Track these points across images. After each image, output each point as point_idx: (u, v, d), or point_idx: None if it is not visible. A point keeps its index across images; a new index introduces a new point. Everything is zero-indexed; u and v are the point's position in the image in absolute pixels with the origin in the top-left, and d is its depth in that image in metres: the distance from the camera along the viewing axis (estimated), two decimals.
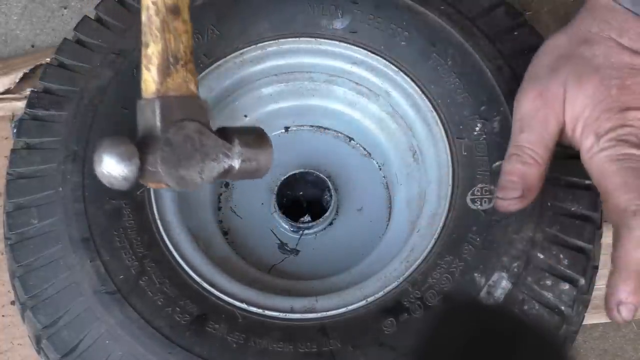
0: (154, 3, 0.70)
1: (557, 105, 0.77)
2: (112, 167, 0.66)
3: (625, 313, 0.71)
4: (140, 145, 0.68)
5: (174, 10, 0.71)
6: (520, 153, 0.77)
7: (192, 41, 0.73)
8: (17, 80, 1.08)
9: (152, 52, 0.70)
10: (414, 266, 0.80)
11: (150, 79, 0.71)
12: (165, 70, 0.70)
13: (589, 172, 0.76)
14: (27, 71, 1.09)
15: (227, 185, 0.97)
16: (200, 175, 0.70)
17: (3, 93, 1.08)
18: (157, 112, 0.69)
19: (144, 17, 0.71)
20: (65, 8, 1.18)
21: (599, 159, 0.74)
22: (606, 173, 0.74)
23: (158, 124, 0.69)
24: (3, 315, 0.96)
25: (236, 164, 0.72)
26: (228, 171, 0.72)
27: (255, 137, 0.74)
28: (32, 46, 1.15)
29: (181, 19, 0.72)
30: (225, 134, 0.72)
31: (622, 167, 0.73)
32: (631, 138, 0.74)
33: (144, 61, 0.71)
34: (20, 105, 1.04)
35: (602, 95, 0.75)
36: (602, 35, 0.77)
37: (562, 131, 0.77)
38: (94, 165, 0.67)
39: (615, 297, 0.71)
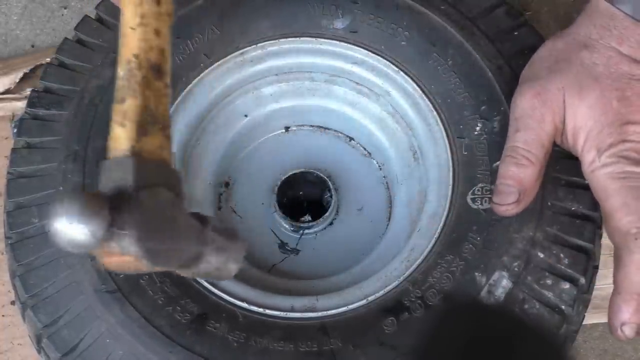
0: (135, 56, 0.64)
1: (555, 106, 0.77)
2: (76, 224, 0.55)
3: (628, 332, 0.74)
4: (109, 202, 0.57)
5: (157, 70, 0.65)
6: (515, 154, 0.77)
7: (169, 111, 0.66)
8: (17, 80, 1.09)
9: (128, 107, 0.63)
10: (415, 265, 0.80)
11: (123, 136, 0.62)
12: (142, 128, 0.62)
13: (590, 185, 0.77)
14: (27, 71, 1.09)
15: (227, 184, 0.97)
16: (171, 253, 0.60)
17: (3, 93, 1.08)
18: (132, 170, 0.59)
19: (121, 71, 0.64)
20: (65, 8, 1.18)
21: (600, 175, 0.76)
22: (608, 191, 0.75)
23: (131, 183, 0.59)
24: (3, 316, 0.96)
25: (208, 251, 0.62)
26: (198, 257, 0.62)
27: (228, 228, 0.65)
28: (32, 46, 1.15)
29: (163, 82, 0.66)
30: (198, 216, 0.64)
31: (623, 186, 0.74)
32: (632, 154, 0.75)
33: (116, 118, 0.63)
34: (20, 105, 1.04)
35: (603, 107, 0.76)
36: (601, 42, 0.77)
37: (559, 134, 0.78)
38: (50, 220, 0.56)
39: (618, 317, 0.74)
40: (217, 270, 0.63)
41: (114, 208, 0.57)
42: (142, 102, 0.63)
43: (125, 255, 0.58)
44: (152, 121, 0.63)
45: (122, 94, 0.64)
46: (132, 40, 0.65)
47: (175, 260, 0.61)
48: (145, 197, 0.59)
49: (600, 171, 0.76)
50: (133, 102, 0.63)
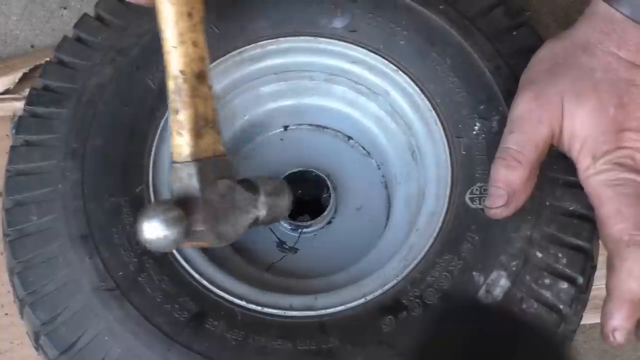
0: (182, 72, 0.72)
1: (553, 109, 0.77)
2: (161, 232, 0.68)
3: (619, 337, 0.75)
4: (182, 207, 0.70)
5: (200, 76, 0.73)
6: (505, 156, 0.77)
7: (215, 107, 0.74)
8: (17, 81, 1.09)
9: (183, 118, 0.72)
10: (413, 264, 0.80)
11: (183, 144, 0.72)
12: (197, 134, 0.72)
13: (585, 191, 0.78)
14: (27, 71, 1.09)
15: None
16: (234, 229, 0.73)
17: (3, 93, 1.08)
18: (195, 175, 0.71)
19: (171, 85, 0.72)
20: (64, 8, 1.18)
21: (595, 181, 0.76)
22: (602, 198, 0.76)
23: (197, 185, 0.71)
24: (6, 314, 0.96)
25: (262, 213, 0.76)
26: (256, 221, 0.76)
27: (276, 186, 0.78)
28: (32, 46, 1.15)
29: (207, 85, 0.73)
30: (250, 185, 0.76)
31: (617, 193, 0.75)
32: (627, 161, 0.75)
33: (174, 127, 0.72)
34: (20, 105, 1.03)
35: (600, 114, 0.76)
36: (600, 47, 0.78)
37: (555, 137, 0.78)
38: (139, 232, 0.68)
39: (610, 323, 0.75)
40: (271, 221, 0.78)
41: (186, 210, 0.69)
42: (193, 111, 0.72)
43: (200, 241, 0.72)
44: (204, 124, 0.72)
45: (175, 106, 0.72)
46: (175, 57, 0.72)
47: (239, 231, 0.74)
48: (209, 194, 0.71)
49: (595, 178, 0.76)
50: (186, 113, 0.72)
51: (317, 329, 0.77)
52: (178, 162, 0.72)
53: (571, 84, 0.77)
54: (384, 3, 0.89)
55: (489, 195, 0.78)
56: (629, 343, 0.98)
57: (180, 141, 0.72)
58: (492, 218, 0.79)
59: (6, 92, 1.08)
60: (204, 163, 0.72)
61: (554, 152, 0.80)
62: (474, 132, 0.84)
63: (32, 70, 1.09)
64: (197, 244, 0.73)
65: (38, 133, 0.85)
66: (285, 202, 0.78)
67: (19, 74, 1.09)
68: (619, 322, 0.74)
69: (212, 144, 0.73)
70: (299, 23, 0.90)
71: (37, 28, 1.16)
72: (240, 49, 0.90)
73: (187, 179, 0.71)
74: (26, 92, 1.03)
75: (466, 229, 0.80)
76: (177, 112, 0.72)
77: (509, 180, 0.77)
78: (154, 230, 0.68)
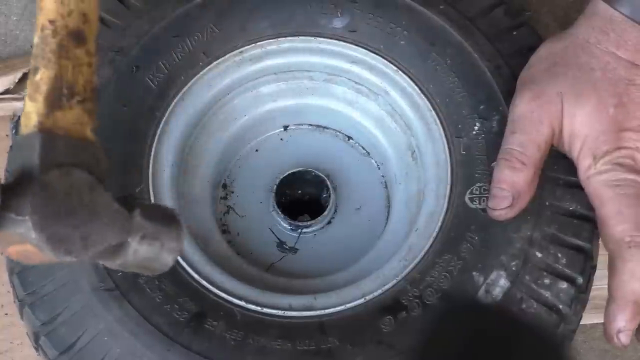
0: (51, 22, 0.58)
1: (553, 109, 0.77)
2: None
3: (624, 339, 0.75)
4: (7, 186, 0.52)
5: (77, 37, 0.59)
6: (509, 157, 0.77)
7: (96, 79, 0.61)
8: (17, 81, 1.09)
9: (40, 78, 0.57)
10: (413, 264, 0.80)
11: (33, 110, 0.57)
12: (54, 101, 0.57)
13: (586, 191, 0.78)
14: (27, 71, 1.09)
15: (225, 183, 0.97)
16: (83, 241, 0.54)
17: (3, 93, 1.08)
18: (37, 147, 0.54)
19: (36, 38, 0.59)
20: None
21: (595, 182, 0.76)
22: (602, 199, 0.76)
23: (36, 161, 0.53)
24: (6, 314, 0.96)
25: (133, 239, 0.56)
26: (121, 248, 0.56)
27: (164, 213, 0.59)
28: (32, 46, 1.15)
29: (85, 49, 0.59)
30: (126, 201, 0.58)
31: (618, 193, 0.75)
32: (627, 161, 0.75)
33: (29, 90, 0.58)
34: (20, 105, 1.04)
35: (600, 114, 0.76)
36: (599, 47, 0.78)
37: (556, 137, 0.78)
38: None
39: (614, 325, 0.75)
40: (148, 261, 0.58)
41: (11, 190, 0.52)
42: (55, 73, 0.57)
43: (25, 243, 0.53)
44: (68, 94, 0.57)
45: (36, 63, 0.58)
46: (47, 2, 0.59)
47: (89, 250, 0.55)
48: (53, 178, 0.54)
49: (596, 178, 0.76)
50: (45, 72, 0.58)
51: (317, 329, 0.77)
52: (21, 135, 0.57)
53: (570, 84, 0.77)
54: (384, 3, 0.89)
55: (493, 197, 0.78)
56: (630, 343, 0.98)
57: (30, 108, 0.57)
58: (495, 219, 0.78)
59: (6, 92, 1.08)
60: (54, 138, 0.55)
61: (554, 152, 0.80)
62: (474, 132, 0.84)
63: None
64: (18, 250, 0.54)
65: None
66: (171, 238, 0.58)
67: (19, 74, 1.09)
68: (623, 324, 0.75)
69: (75, 123, 0.57)
70: (299, 23, 0.90)
71: None
72: (240, 49, 0.90)
73: (27, 155, 0.54)
74: (26, 92, 1.04)
75: (466, 229, 0.80)
76: (35, 71, 0.58)
77: (514, 182, 0.77)
78: None
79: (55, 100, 0.57)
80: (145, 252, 0.57)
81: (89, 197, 0.55)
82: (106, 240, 0.55)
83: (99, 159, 0.59)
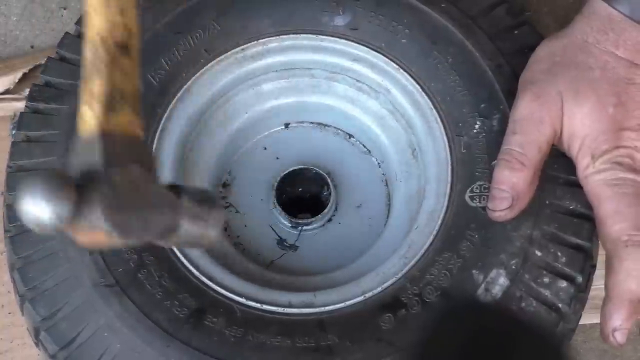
0: (101, 37, 0.63)
1: (553, 109, 0.77)
2: (39, 204, 0.54)
3: (620, 338, 0.75)
4: (79, 185, 0.57)
5: (123, 48, 0.64)
6: (509, 158, 0.77)
7: (140, 83, 0.65)
8: (17, 81, 1.09)
9: (95, 86, 0.62)
10: (412, 262, 0.80)
11: (91, 115, 0.61)
12: (109, 105, 0.62)
13: (584, 190, 0.78)
14: (27, 71, 1.09)
15: (226, 180, 0.97)
16: (143, 226, 0.61)
17: (3, 93, 1.08)
18: (100, 149, 0.60)
19: (87, 51, 0.64)
20: (64, 9, 1.18)
21: (594, 181, 0.76)
22: (601, 197, 0.76)
23: (100, 160, 0.59)
24: (10, 313, 0.96)
25: (183, 220, 0.63)
26: (174, 227, 0.63)
27: (205, 195, 0.65)
28: (32, 47, 1.15)
29: (130, 58, 0.65)
30: (173, 187, 0.64)
31: (616, 192, 0.75)
32: (626, 160, 0.75)
33: (84, 97, 0.63)
34: (20, 105, 1.03)
35: (599, 114, 0.76)
36: (598, 47, 0.78)
37: (557, 137, 0.78)
38: (17, 201, 0.55)
39: (610, 324, 0.75)
40: (197, 238, 0.64)
41: (81, 186, 0.57)
42: (109, 82, 0.63)
43: (95, 231, 0.58)
44: (120, 98, 0.63)
45: (89, 73, 0.63)
46: (96, 20, 0.64)
47: (149, 232, 0.61)
48: (115, 175, 0.60)
49: (594, 177, 0.76)
50: (99, 81, 0.63)
51: (316, 326, 0.77)
52: (81, 139, 0.61)
53: (570, 83, 0.77)
54: (386, 1, 0.89)
55: (492, 198, 0.78)
56: (630, 343, 0.98)
57: (87, 113, 0.62)
58: (495, 220, 0.78)
59: (6, 92, 1.08)
60: (113, 139, 0.61)
61: (554, 150, 0.80)
62: (475, 131, 0.84)
63: (32, 70, 1.09)
64: (89, 236, 0.59)
65: (39, 129, 0.85)
66: (214, 216, 0.64)
67: (19, 74, 1.09)
68: (619, 323, 0.74)
69: (127, 124, 0.63)
70: (300, 21, 0.90)
71: (37, 28, 1.17)
72: (242, 46, 0.90)
73: (90, 156, 0.60)
74: (26, 92, 1.04)
75: (466, 227, 0.80)
76: (89, 80, 0.63)
77: (513, 183, 0.77)
78: (30, 200, 0.54)
79: (109, 105, 0.62)
80: (194, 230, 0.63)
81: (144, 188, 0.62)
82: (162, 223, 0.62)
83: (148, 153, 0.65)
